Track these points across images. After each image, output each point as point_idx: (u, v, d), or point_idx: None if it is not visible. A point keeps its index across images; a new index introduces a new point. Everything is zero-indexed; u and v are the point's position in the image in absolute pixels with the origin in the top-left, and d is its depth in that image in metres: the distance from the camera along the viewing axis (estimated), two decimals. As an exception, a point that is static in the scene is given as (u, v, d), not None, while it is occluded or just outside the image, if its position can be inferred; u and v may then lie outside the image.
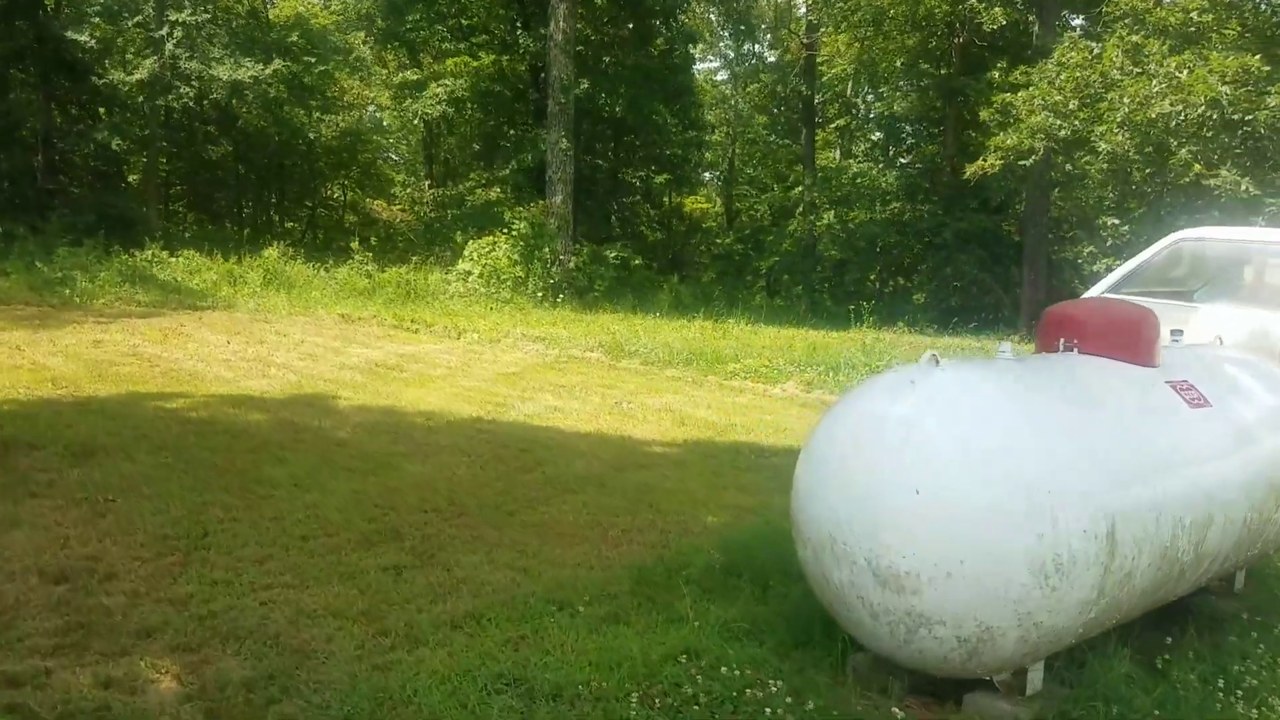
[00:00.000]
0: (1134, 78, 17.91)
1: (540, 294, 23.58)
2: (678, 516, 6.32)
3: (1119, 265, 19.32)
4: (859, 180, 34.78)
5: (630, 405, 10.42)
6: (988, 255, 32.12)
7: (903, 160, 36.65)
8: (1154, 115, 17.02)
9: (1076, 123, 18.59)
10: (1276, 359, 6.91)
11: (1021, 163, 20.32)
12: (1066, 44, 19.66)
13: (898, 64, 35.97)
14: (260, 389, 10.00)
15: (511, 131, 32.85)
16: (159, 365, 10.75)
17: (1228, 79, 16.38)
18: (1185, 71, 17.17)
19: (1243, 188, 16.24)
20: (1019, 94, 20.33)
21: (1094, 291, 8.07)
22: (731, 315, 21.95)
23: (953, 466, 3.50)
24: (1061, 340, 4.52)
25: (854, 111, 40.03)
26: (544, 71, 28.81)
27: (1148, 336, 4.57)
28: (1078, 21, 29.59)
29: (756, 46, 47.69)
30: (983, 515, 3.44)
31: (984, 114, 22.06)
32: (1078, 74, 18.93)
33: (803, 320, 26.61)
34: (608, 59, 31.73)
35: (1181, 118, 16.61)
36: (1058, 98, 19.31)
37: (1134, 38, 18.50)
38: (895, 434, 3.63)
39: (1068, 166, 19.37)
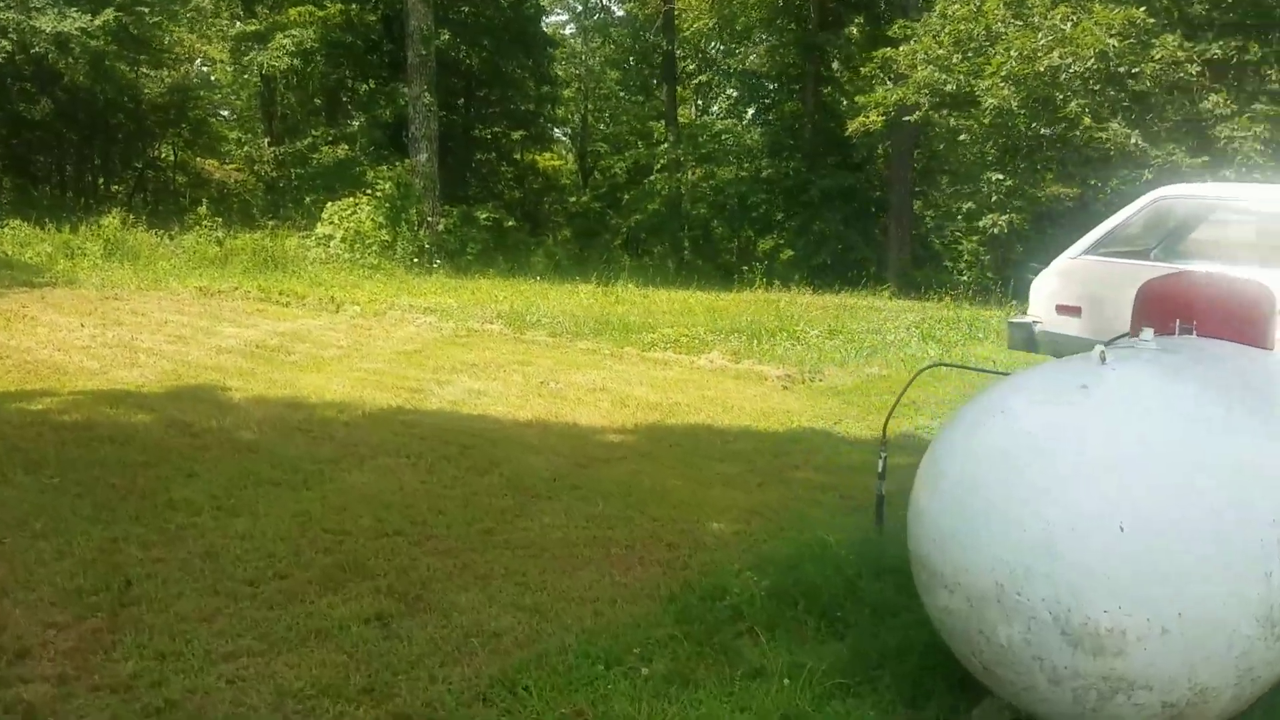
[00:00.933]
0: (1018, 30, 17.85)
1: (409, 259, 22.23)
2: (677, 524, 5.54)
3: (1003, 220, 19.59)
4: (724, 137, 34.35)
5: (558, 385, 9.53)
6: (853, 212, 32.29)
7: (767, 118, 36.37)
8: (1042, 68, 16.99)
9: (961, 77, 18.46)
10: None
11: (906, 119, 20.13)
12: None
13: (755, 19, 35.63)
14: (134, 381, 8.65)
15: (363, 86, 30.99)
16: (10, 357, 9.19)
17: (1114, 31, 16.45)
18: (1069, 24, 17.19)
19: (1132, 140, 16.41)
20: (900, 49, 20.10)
21: (1073, 252, 7.65)
22: (618, 278, 21.15)
23: (1166, 495, 2.83)
24: (1178, 322, 3.95)
25: (714, 68, 39.52)
26: (399, 21, 27.14)
27: (1267, 315, 4.03)
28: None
29: (605, 0, 46.74)
30: (1206, 555, 2.79)
31: (865, 69, 21.77)
32: (961, 26, 18.78)
33: (672, 280, 25.97)
34: (466, 9, 30.14)
35: (1070, 70, 16.61)
36: (941, 52, 19.15)
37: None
38: (1079, 455, 2.93)
39: (952, 121, 19.25)
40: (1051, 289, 7.63)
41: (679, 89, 39.79)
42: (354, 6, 28.93)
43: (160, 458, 6.27)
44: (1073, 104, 16.73)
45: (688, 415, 8.53)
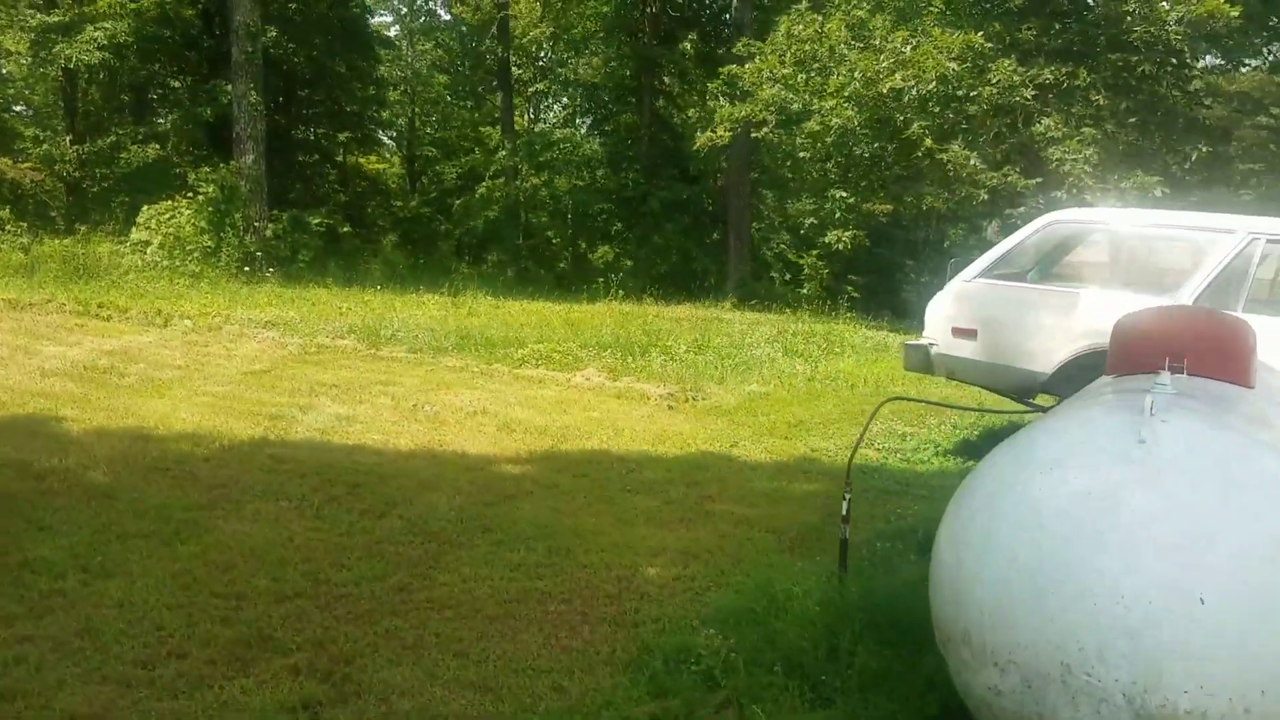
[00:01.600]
0: (860, 52, 18.21)
1: (235, 266, 20.84)
2: (610, 570, 5.09)
3: (846, 235, 19.98)
4: (564, 146, 33.93)
5: (433, 408, 8.90)
6: (691, 224, 32.51)
7: (604, 129, 36.17)
8: (885, 90, 17.36)
9: (806, 96, 18.68)
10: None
11: (755, 135, 20.26)
12: (793, 16, 19.68)
13: (591, 30, 35.48)
14: (-55, 412, 7.56)
15: (177, 82, 29.03)
16: None
17: (953, 55, 16.96)
18: (909, 47, 17.64)
19: (971, 162, 16.95)
20: (746, 66, 20.22)
21: (964, 276, 7.63)
22: (465, 289, 20.46)
23: (1250, 563, 2.61)
24: (1168, 361, 3.80)
25: (550, 76, 39.07)
26: (219, 16, 25.59)
27: (1251, 351, 3.94)
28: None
29: (430, 4, 45.67)
30: (1291, 625, 2.58)
31: (711, 84, 21.81)
32: (806, 47, 19.03)
33: (513, 289, 25.39)
34: (294, 6, 28.66)
35: (914, 92, 17.03)
36: (785, 70, 19.35)
37: (860, 12, 18.82)
38: (1150, 519, 2.68)
39: (798, 139, 19.47)
40: (947, 311, 7.60)
41: (518, 97, 39.21)
42: (169, -1, 27.02)
43: (1, 507, 5.37)
44: (915, 126, 17.16)
45: (580, 440, 8.09)
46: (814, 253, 23.61)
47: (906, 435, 8.52)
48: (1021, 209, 17.80)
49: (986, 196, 17.40)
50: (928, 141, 17.01)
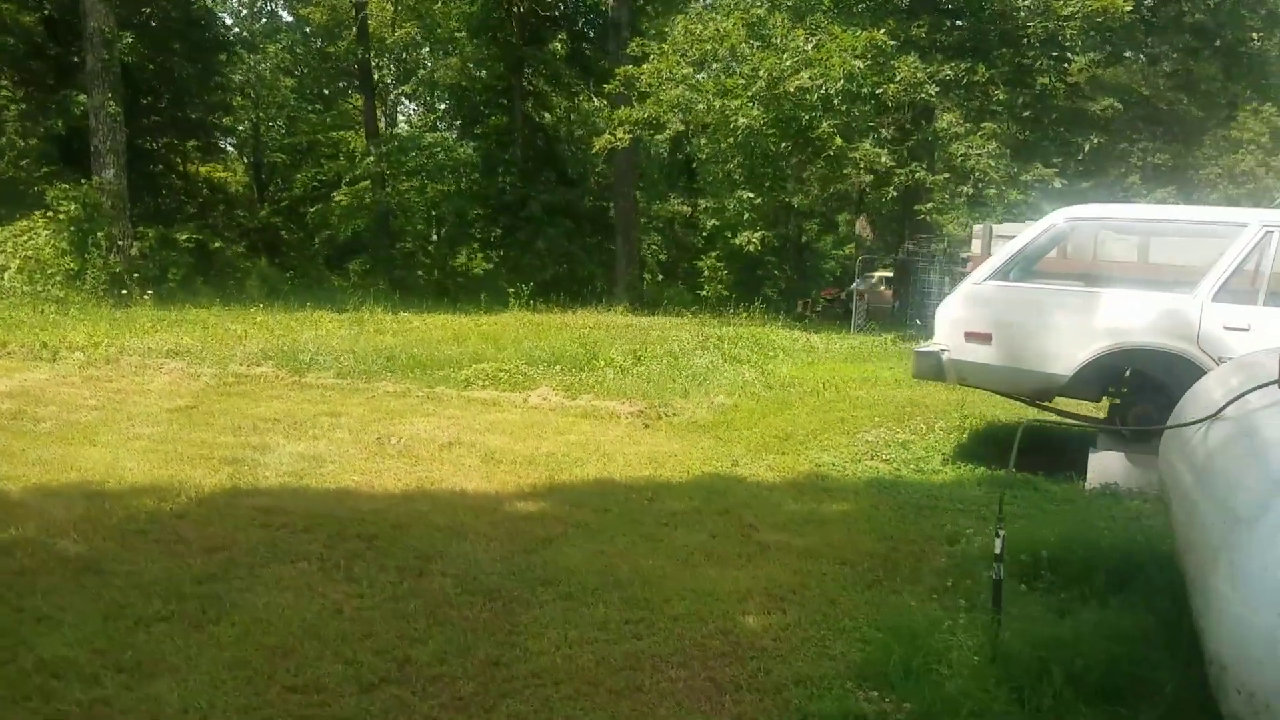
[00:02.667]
0: (761, 51, 18.10)
1: (101, 289, 19.33)
2: (705, 622, 4.61)
3: (755, 237, 19.85)
4: (435, 151, 32.94)
5: (399, 442, 8.21)
6: (575, 228, 32.01)
7: (475, 131, 35.26)
8: (792, 89, 17.29)
9: (710, 97, 18.48)
10: (1194, 343, 6.70)
11: (658, 137, 19.94)
12: (690, 16, 19.45)
13: (454, 29, 34.62)
14: None
15: (20, 94, 26.77)
16: None
17: (858, 53, 17.01)
18: (810, 45, 17.62)
19: (882, 159, 17.05)
20: (643, 66, 19.88)
21: (976, 278, 7.46)
22: (362, 303, 19.47)
23: None
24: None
25: (416, 79, 37.88)
26: (64, 23, 23.73)
27: None
28: None
29: (270, 4, 43.86)
30: None
31: (608, 86, 21.38)
32: (707, 46, 18.82)
33: (399, 303, 24.40)
34: (147, 10, 26.83)
35: (821, 91, 17.00)
36: (686, 70, 19.11)
37: (758, 10, 18.73)
38: None
39: (702, 140, 19.24)
40: (958, 316, 7.41)
41: (381, 103, 37.91)
42: (8, 4, 24.85)
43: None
44: (824, 125, 17.15)
45: (575, 469, 7.55)
46: (714, 254, 23.45)
47: (906, 443, 8.29)
48: (930, 204, 18.07)
49: (895, 194, 17.53)
50: (838, 140, 17.02)
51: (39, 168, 23.85)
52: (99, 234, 19.90)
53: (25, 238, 19.30)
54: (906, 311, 18.80)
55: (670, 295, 26.56)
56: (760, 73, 17.66)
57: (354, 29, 34.20)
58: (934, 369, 7.47)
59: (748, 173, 19.12)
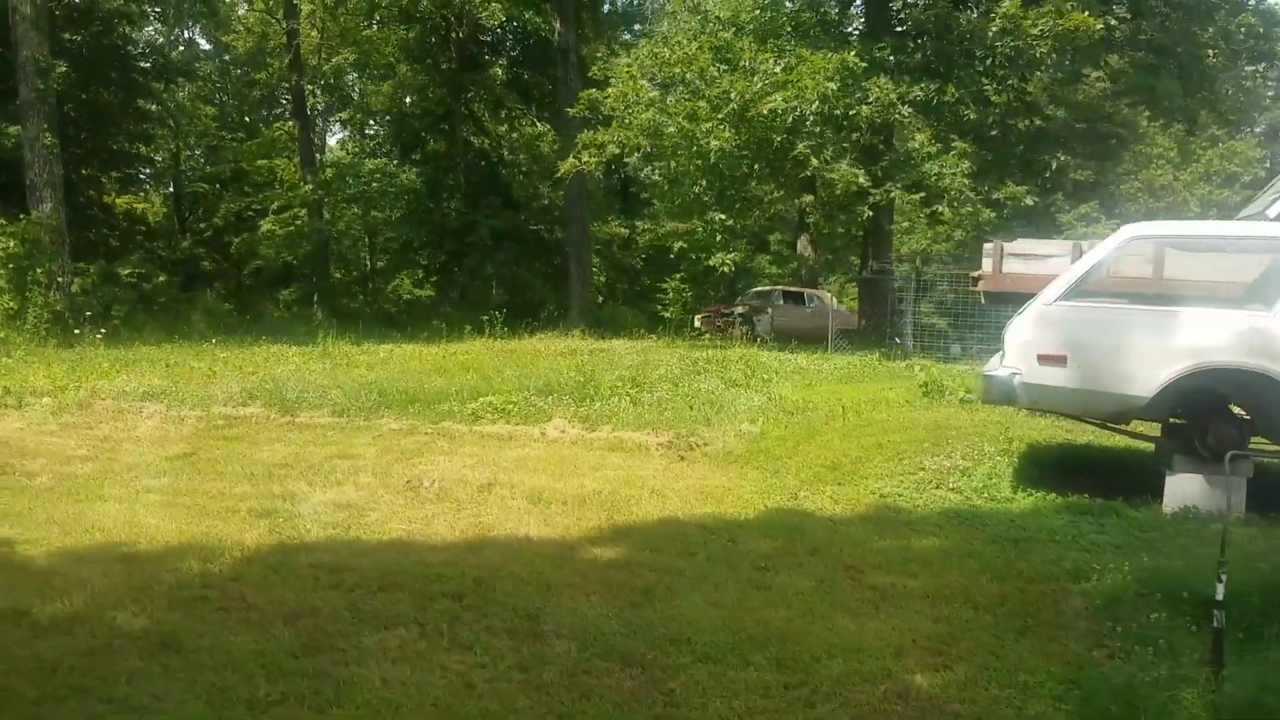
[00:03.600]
0: (731, 75, 17.91)
1: (45, 329, 18.30)
2: (869, 683, 4.20)
3: (729, 258, 19.59)
4: (376, 178, 32.15)
5: (431, 484, 7.69)
6: (523, 252, 31.51)
7: (414, 156, 34.53)
8: (765, 111, 17.11)
9: (681, 120, 18.22)
10: (1277, 361, 6.54)
11: (627, 160, 19.61)
12: (657, 40, 19.21)
13: (391, 56, 34.01)
14: None
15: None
16: None
17: (830, 75, 16.91)
18: (779, 68, 17.47)
19: (859, 179, 16.94)
20: (607, 90, 19.58)
21: (1046, 296, 7.21)
22: (315, 333, 18.73)
23: None
24: None
25: (352, 105, 37.03)
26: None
27: None
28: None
29: (188, 33, 42.69)
30: None
31: (572, 110, 20.99)
32: (676, 70, 18.58)
33: (322, 330, 23.33)
34: (77, 38, 25.74)
35: (796, 113, 16.85)
36: (654, 94, 18.86)
37: (725, 34, 18.56)
38: None
39: (673, 164, 18.94)
40: (1029, 338, 7.15)
41: (318, 129, 37.03)
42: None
43: (53, 684, 3.94)
44: (800, 146, 16.98)
45: (631, 509, 7.11)
46: (678, 276, 23.19)
47: (967, 471, 8.01)
48: (901, 223, 17.99)
49: (870, 213, 17.45)
50: (814, 161, 16.87)
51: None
52: (38, 271, 18.86)
53: (-40, 276, 18.23)
54: (883, 330, 18.71)
55: (627, 317, 26.19)
56: (732, 95, 17.44)
57: (287, 57, 33.29)
58: (1006, 393, 7.19)
59: (717, 195, 18.88)
